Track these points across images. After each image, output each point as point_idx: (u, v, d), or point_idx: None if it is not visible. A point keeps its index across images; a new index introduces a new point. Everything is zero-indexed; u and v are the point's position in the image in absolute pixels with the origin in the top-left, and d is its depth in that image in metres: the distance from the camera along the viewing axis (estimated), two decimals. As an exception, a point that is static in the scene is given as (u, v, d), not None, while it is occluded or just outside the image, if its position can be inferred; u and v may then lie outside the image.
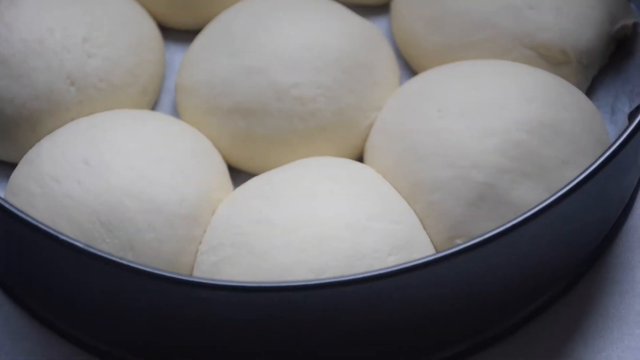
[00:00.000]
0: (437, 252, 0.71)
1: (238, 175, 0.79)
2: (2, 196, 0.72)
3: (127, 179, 0.73)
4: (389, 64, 0.81)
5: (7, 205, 0.67)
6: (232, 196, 0.75)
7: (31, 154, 0.76)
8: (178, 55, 0.85)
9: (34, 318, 0.75)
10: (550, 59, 0.79)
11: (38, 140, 0.77)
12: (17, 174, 0.75)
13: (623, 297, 0.76)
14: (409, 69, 0.84)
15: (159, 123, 0.77)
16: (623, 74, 0.82)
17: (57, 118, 0.77)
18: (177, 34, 0.85)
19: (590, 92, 0.81)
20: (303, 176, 0.75)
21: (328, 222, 0.71)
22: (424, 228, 0.73)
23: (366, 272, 0.65)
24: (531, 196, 0.71)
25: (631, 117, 0.77)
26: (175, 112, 0.82)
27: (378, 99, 0.79)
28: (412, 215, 0.73)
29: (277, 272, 0.69)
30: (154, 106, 0.83)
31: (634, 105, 0.80)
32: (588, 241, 0.75)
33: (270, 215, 0.71)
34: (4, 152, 0.79)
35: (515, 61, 0.79)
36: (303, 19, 0.80)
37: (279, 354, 0.70)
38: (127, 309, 0.69)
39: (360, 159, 0.79)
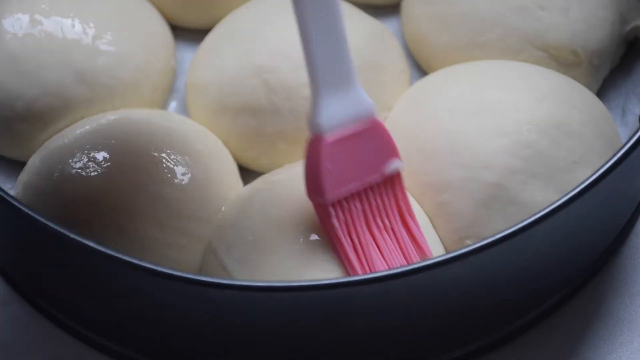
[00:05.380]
0: (447, 252, 0.71)
1: (248, 174, 0.79)
2: (12, 194, 0.72)
3: (136, 179, 0.72)
4: (399, 64, 0.81)
5: (16, 204, 0.67)
6: (241, 195, 0.75)
7: (41, 153, 0.76)
8: (188, 54, 0.85)
9: (43, 316, 0.75)
10: (561, 59, 0.79)
11: (48, 138, 0.77)
12: (26, 172, 0.75)
13: (633, 299, 0.75)
14: (420, 69, 0.84)
15: (169, 122, 0.77)
16: (634, 75, 0.82)
17: (67, 116, 0.77)
18: (187, 33, 0.86)
19: (601, 93, 0.81)
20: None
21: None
22: (434, 228, 0.73)
23: (376, 272, 0.65)
24: (541, 197, 0.71)
25: (642, 118, 0.77)
26: (186, 112, 0.82)
27: (388, 99, 0.79)
28: (422, 215, 0.73)
29: (286, 272, 0.69)
30: (164, 105, 0.83)
31: (645, 107, 0.80)
32: (598, 242, 0.75)
33: (279, 214, 0.71)
34: (14, 150, 0.79)
35: (526, 62, 0.79)
36: (313, 18, 0.80)
37: (288, 354, 0.70)
38: (136, 308, 0.69)
39: (370, 158, 0.79)
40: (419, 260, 0.70)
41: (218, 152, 0.77)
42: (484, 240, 0.65)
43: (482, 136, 0.72)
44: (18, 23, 0.78)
